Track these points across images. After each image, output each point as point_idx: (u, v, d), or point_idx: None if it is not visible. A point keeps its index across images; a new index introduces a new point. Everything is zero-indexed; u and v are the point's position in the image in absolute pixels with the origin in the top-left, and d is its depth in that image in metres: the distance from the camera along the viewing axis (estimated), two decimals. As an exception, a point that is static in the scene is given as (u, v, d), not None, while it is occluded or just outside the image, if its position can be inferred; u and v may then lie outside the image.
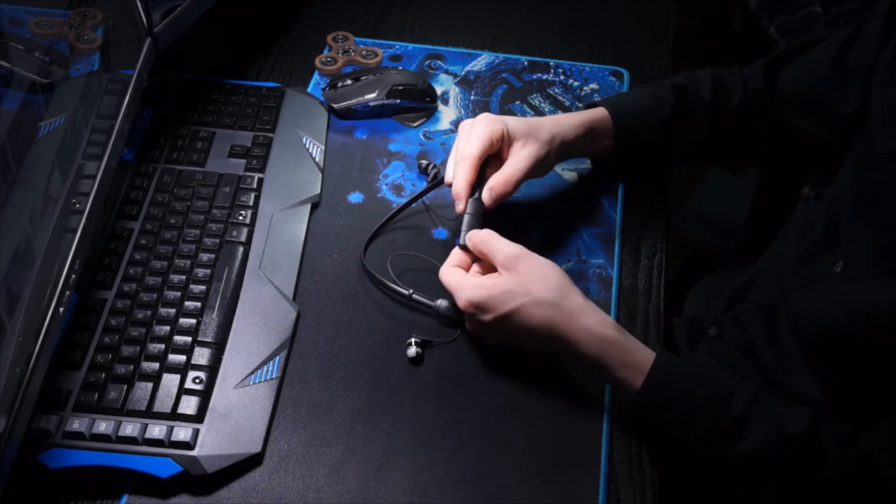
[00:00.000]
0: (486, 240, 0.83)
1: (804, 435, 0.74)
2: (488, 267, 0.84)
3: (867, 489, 0.73)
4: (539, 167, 0.92)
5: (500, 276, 0.81)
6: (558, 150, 0.93)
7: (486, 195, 0.88)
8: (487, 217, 0.88)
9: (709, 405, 0.76)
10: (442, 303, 0.86)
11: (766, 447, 0.74)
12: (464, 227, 0.87)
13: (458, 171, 0.88)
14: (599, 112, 0.98)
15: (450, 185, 0.90)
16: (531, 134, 0.91)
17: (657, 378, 0.76)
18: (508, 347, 0.83)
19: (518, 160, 0.90)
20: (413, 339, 0.84)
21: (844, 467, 0.74)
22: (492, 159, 0.91)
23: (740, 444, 0.74)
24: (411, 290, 0.87)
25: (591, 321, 0.77)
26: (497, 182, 0.88)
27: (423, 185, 0.99)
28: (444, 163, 0.96)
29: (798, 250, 0.89)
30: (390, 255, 0.90)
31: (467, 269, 0.85)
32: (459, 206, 0.88)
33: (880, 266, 0.77)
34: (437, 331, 0.86)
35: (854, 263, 0.80)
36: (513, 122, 0.91)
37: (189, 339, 0.81)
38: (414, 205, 0.97)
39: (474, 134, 0.90)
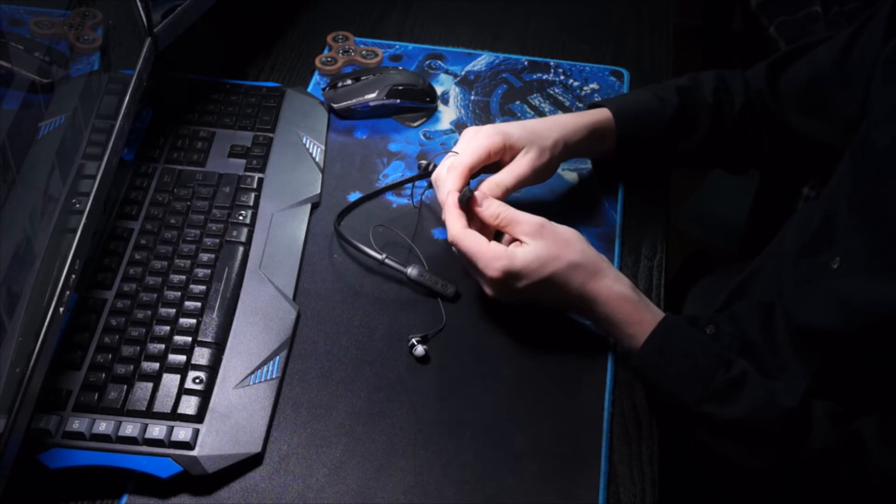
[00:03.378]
0: (505, 212, 0.85)
1: (794, 409, 0.76)
2: (492, 233, 0.87)
3: (849, 467, 0.75)
4: (539, 174, 0.93)
5: (527, 244, 0.83)
6: (561, 155, 0.94)
7: (478, 195, 0.88)
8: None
9: (707, 365, 0.79)
10: (413, 270, 0.88)
11: (755, 414, 0.77)
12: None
13: (447, 180, 0.89)
14: (603, 114, 0.98)
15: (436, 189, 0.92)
16: (534, 142, 0.92)
17: (660, 333, 0.80)
18: (523, 305, 0.86)
19: (516, 167, 0.91)
20: (414, 339, 0.84)
21: (830, 444, 0.75)
22: (492, 168, 0.92)
23: (731, 407, 0.77)
24: (385, 255, 0.89)
25: (610, 281, 0.82)
26: (490, 185, 0.90)
27: (424, 184, 1.00)
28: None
29: (795, 247, 0.90)
30: (372, 226, 0.92)
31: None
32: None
33: (876, 262, 0.77)
34: (433, 322, 0.86)
35: (850, 259, 0.80)
36: (515, 133, 0.92)
37: (189, 339, 0.81)
38: (414, 204, 0.98)
39: (472, 145, 0.91)
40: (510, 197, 0.96)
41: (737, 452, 0.78)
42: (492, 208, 0.85)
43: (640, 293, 0.84)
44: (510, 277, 0.82)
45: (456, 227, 0.85)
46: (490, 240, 0.84)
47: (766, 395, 0.77)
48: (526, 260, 0.81)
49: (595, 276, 0.82)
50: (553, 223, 0.84)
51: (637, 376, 0.84)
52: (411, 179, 0.99)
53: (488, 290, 0.85)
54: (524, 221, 0.84)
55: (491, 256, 0.82)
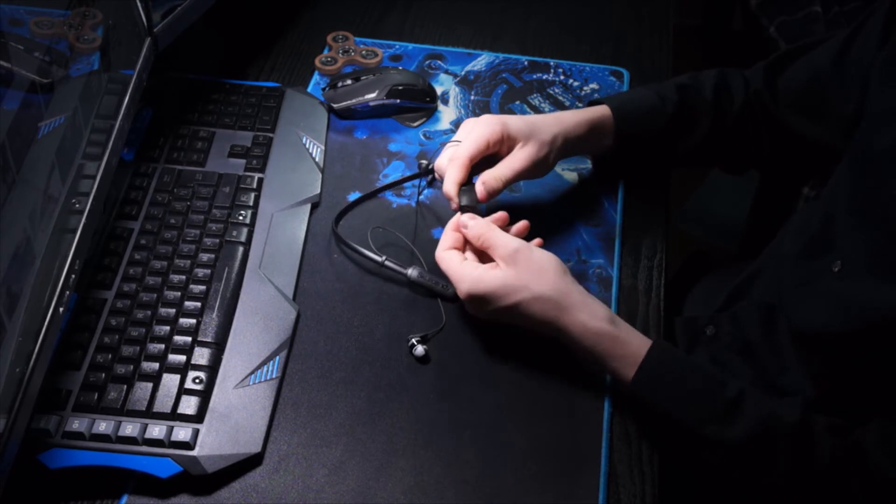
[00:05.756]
0: (486, 234, 0.84)
1: (797, 423, 0.76)
2: (483, 253, 0.86)
3: (856, 479, 0.74)
4: (537, 168, 0.92)
5: (499, 268, 0.82)
6: (560, 150, 0.94)
7: (479, 188, 0.89)
8: (484, 213, 0.89)
9: (702, 389, 0.78)
10: (413, 271, 0.88)
11: (759, 431, 0.76)
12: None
13: (448, 171, 0.89)
14: (602, 110, 0.98)
15: (439, 177, 0.92)
16: (533, 135, 0.91)
17: (651, 362, 0.78)
18: (502, 324, 0.84)
19: (514, 160, 0.91)
20: (414, 339, 0.84)
21: (835, 457, 0.75)
22: (490, 160, 0.92)
23: (735, 427, 0.76)
24: (384, 257, 0.89)
25: (585, 316, 0.79)
26: (488, 177, 0.89)
27: (423, 184, 1.00)
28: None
29: (795, 249, 0.89)
30: (370, 228, 0.92)
31: (462, 250, 0.86)
32: (453, 205, 0.89)
33: (876, 264, 0.77)
34: (433, 322, 0.86)
35: (851, 262, 0.80)
36: (514, 125, 0.91)
37: (189, 339, 0.81)
38: (413, 203, 0.98)
39: (472, 135, 0.90)
40: (510, 196, 0.97)
41: (744, 473, 0.77)
42: (475, 229, 0.85)
43: (621, 325, 0.80)
44: (476, 300, 0.82)
45: (440, 247, 0.86)
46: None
47: (768, 411, 0.76)
48: (491, 286, 0.80)
49: (567, 311, 0.79)
50: (533, 249, 0.82)
51: (634, 402, 0.81)
52: (409, 178, 0.99)
53: (467, 309, 0.85)
54: (501, 245, 0.82)
55: (458, 278, 0.82)
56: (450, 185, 0.89)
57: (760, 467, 0.76)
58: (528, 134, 0.91)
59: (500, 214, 0.88)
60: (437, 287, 0.88)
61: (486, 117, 0.92)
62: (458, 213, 0.88)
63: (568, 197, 1.01)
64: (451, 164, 0.89)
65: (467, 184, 0.90)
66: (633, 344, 0.79)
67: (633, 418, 0.82)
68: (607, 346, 0.79)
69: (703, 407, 0.77)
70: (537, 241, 0.87)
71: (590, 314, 0.80)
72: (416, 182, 1.00)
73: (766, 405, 0.77)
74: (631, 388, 0.79)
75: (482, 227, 0.84)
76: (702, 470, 0.81)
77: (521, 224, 0.88)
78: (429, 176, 0.99)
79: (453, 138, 0.93)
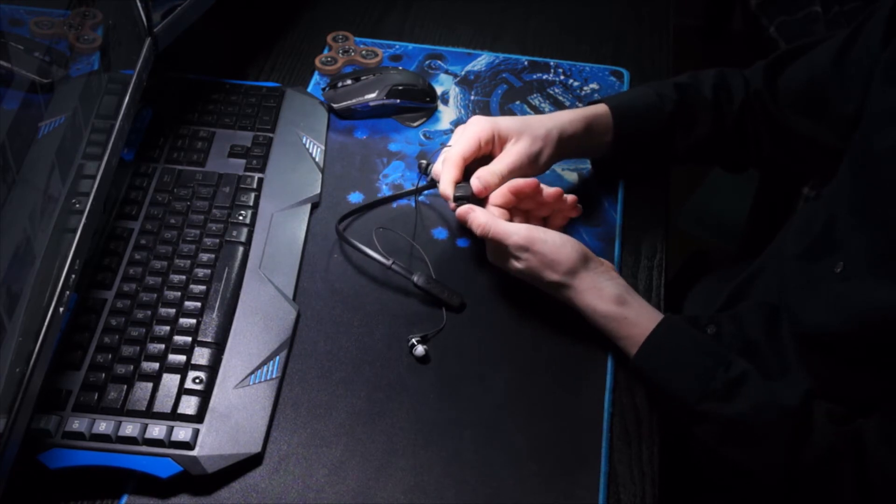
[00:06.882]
0: (494, 230, 0.85)
1: (795, 408, 0.77)
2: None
3: (850, 468, 0.75)
4: (532, 162, 0.92)
5: (514, 259, 0.85)
6: (556, 145, 0.93)
7: (475, 182, 0.89)
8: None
9: (707, 365, 0.80)
10: (419, 277, 0.88)
11: (755, 412, 0.77)
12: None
13: (443, 172, 0.90)
14: (600, 108, 0.97)
15: (437, 181, 0.92)
16: (525, 131, 0.92)
17: (658, 336, 0.81)
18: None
19: (507, 154, 0.91)
20: (414, 339, 0.84)
21: (831, 444, 0.75)
22: (486, 162, 0.92)
23: (730, 405, 0.77)
24: (392, 260, 0.88)
25: (594, 299, 0.83)
26: (483, 172, 0.89)
27: (423, 184, 0.99)
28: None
29: (797, 250, 0.89)
30: (374, 228, 0.92)
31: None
32: (451, 205, 0.89)
33: (879, 265, 0.77)
34: (432, 323, 0.86)
35: (853, 263, 0.80)
36: (505, 122, 0.92)
37: (189, 339, 0.81)
38: (413, 203, 0.98)
39: (463, 136, 0.91)
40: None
41: (738, 452, 0.78)
42: (478, 220, 0.85)
43: (632, 303, 0.83)
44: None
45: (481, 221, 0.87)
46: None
47: (767, 394, 0.77)
48: (514, 269, 0.86)
49: (578, 294, 0.84)
50: (543, 241, 0.83)
51: (637, 375, 0.84)
52: (419, 190, 0.98)
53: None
54: (511, 243, 0.84)
55: (487, 249, 0.88)
56: (445, 185, 0.89)
57: (754, 448, 0.77)
58: (519, 130, 0.92)
59: (515, 183, 0.88)
60: (442, 295, 0.88)
61: (475, 118, 0.92)
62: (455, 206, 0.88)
63: (568, 197, 1.01)
64: (444, 164, 0.90)
65: (463, 182, 0.90)
66: (641, 324, 0.82)
67: (634, 419, 0.82)
68: (614, 327, 0.83)
69: (704, 382, 0.78)
70: (574, 211, 0.92)
71: (598, 297, 0.83)
72: (414, 182, 1.00)
73: (767, 388, 0.78)
74: (636, 355, 0.81)
75: (482, 220, 0.85)
76: (696, 447, 0.82)
77: (571, 198, 0.91)
78: (429, 176, 0.99)
79: (447, 144, 0.93)
